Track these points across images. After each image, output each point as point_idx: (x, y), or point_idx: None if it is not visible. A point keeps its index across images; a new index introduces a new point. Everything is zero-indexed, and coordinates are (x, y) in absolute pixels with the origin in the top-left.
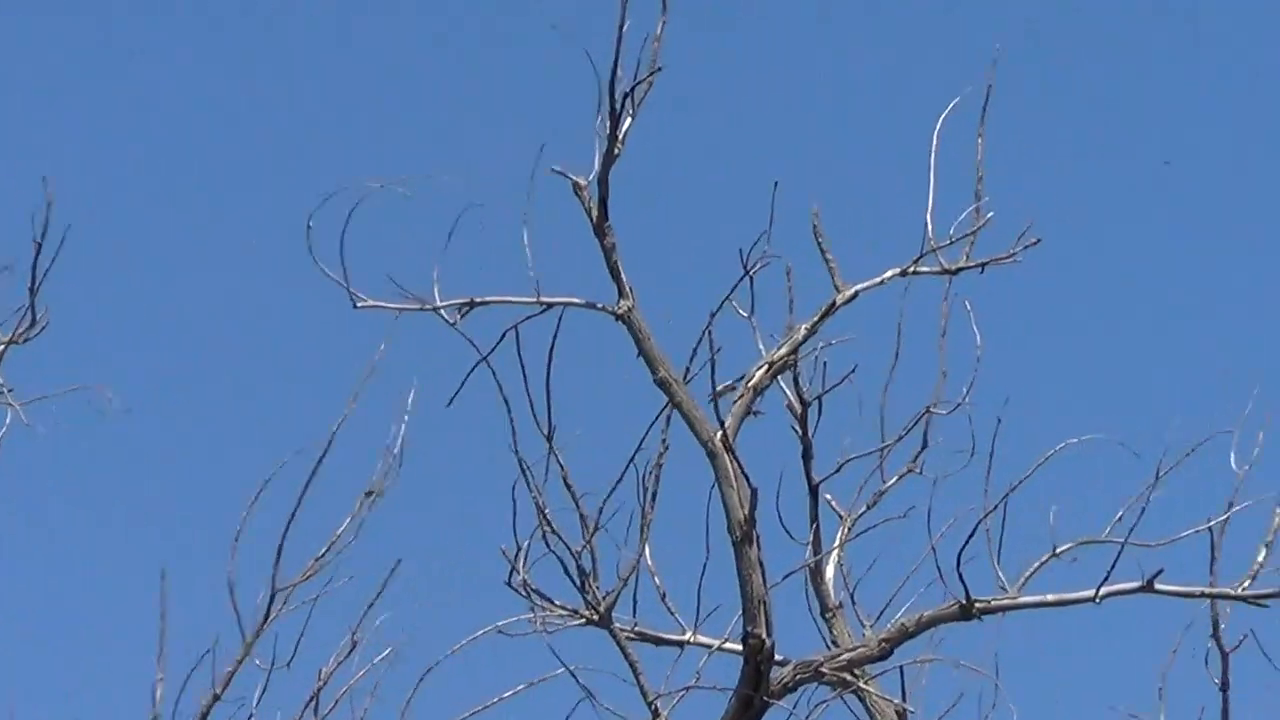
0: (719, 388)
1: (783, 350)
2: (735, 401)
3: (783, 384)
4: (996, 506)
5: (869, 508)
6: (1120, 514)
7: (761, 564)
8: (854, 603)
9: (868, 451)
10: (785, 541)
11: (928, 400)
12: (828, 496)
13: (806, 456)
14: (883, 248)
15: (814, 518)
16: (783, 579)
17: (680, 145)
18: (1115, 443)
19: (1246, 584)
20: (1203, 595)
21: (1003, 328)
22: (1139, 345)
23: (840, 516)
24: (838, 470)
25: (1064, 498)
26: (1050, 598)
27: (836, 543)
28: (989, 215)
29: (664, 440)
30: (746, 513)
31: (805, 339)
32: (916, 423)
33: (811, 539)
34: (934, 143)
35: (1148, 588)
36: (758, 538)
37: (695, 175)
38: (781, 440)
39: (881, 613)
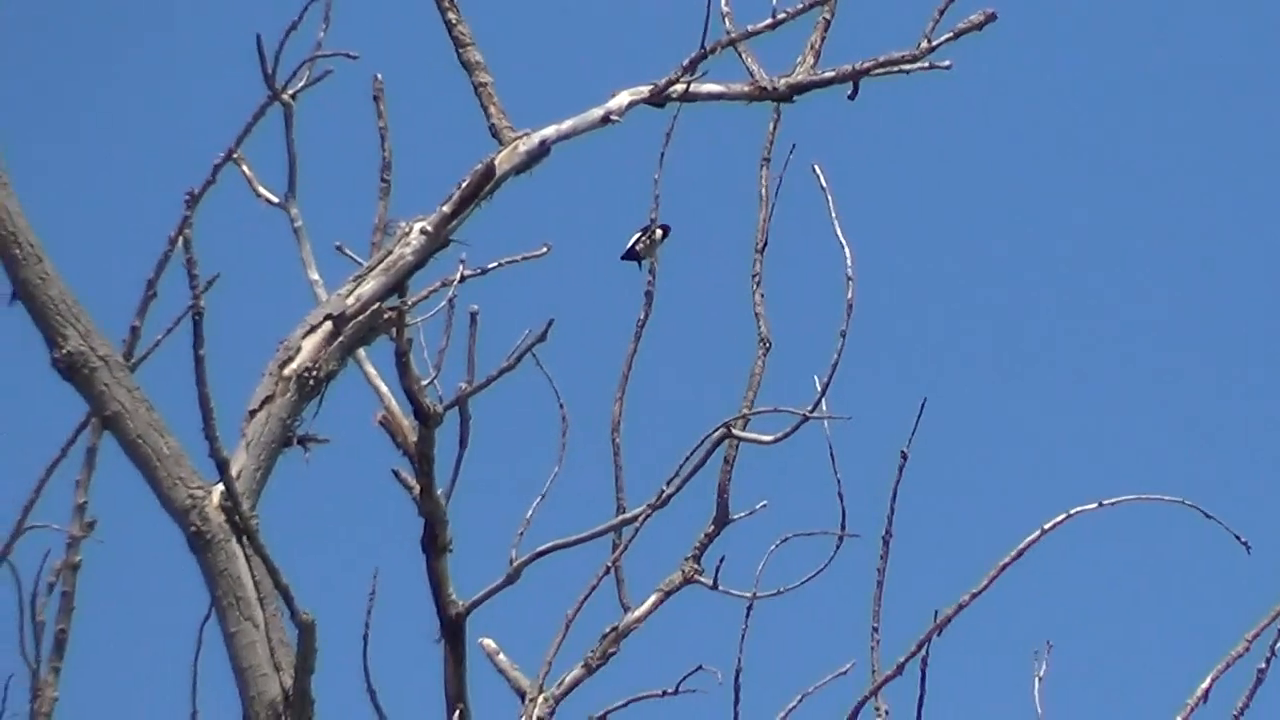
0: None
1: (359, 293)
2: (252, 414)
3: (364, 365)
4: None
5: None
6: None
7: None
8: None
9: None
10: None
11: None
12: None
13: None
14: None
15: None
16: None
17: None
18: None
19: None
20: None
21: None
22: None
23: None
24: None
25: None
26: None
27: None
28: None
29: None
30: (294, 686)
31: (413, 266)
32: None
33: None
34: None
35: None
36: None
37: None
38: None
39: None
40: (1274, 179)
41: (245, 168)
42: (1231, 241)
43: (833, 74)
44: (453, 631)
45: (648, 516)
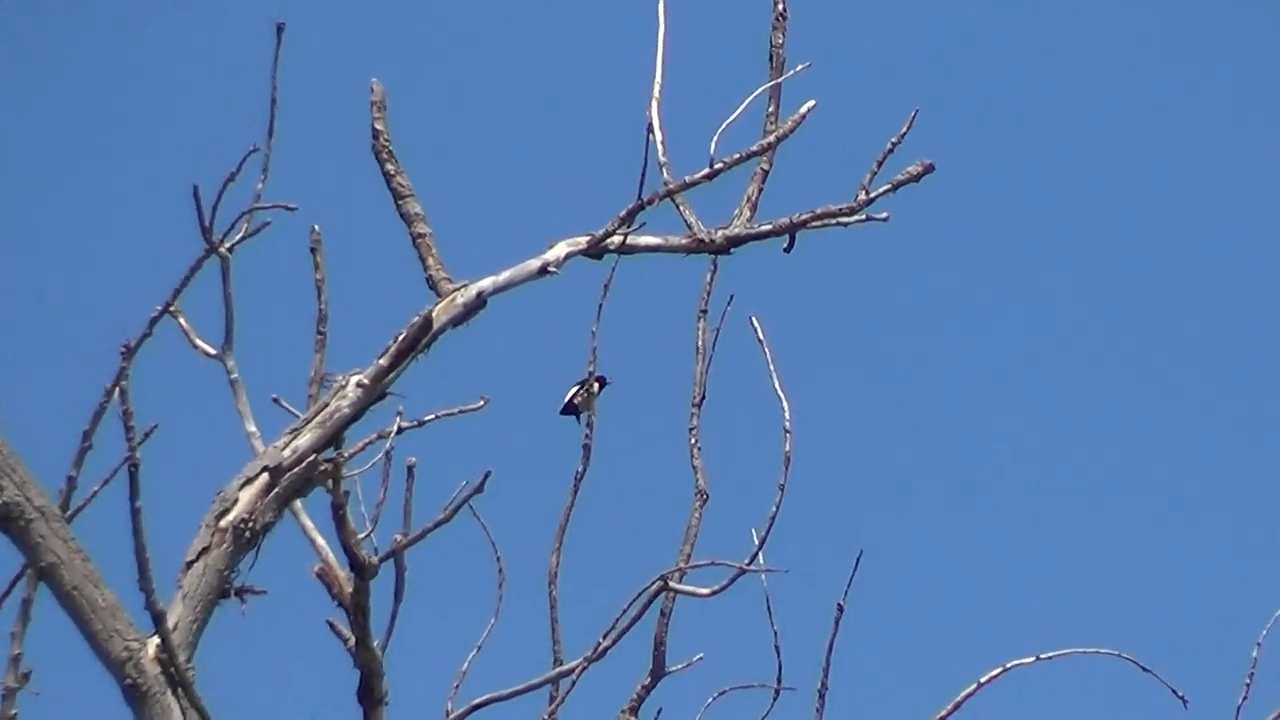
0: None
1: (295, 446)
2: (189, 565)
3: (301, 516)
4: None
5: None
6: None
7: None
8: None
9: None
10: None
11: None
12: None
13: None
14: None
15: None
16: None
17: None
18: None
19: None
20: None
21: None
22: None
23: None
24: None
25: None
26: None
27: None
28: (808, 106)
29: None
30: None
31: (349, 419)
32: None
33: None
34: None
35: None
36: None
37: None
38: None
39: None
40: (1200, 344)
41: (182, 320)
42: (1165, 394)
43: (770, 226)
44: None
45: (584, 669)
